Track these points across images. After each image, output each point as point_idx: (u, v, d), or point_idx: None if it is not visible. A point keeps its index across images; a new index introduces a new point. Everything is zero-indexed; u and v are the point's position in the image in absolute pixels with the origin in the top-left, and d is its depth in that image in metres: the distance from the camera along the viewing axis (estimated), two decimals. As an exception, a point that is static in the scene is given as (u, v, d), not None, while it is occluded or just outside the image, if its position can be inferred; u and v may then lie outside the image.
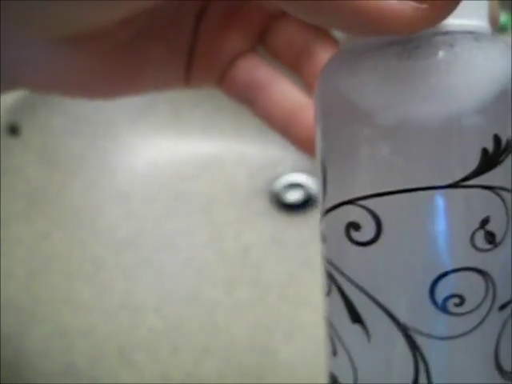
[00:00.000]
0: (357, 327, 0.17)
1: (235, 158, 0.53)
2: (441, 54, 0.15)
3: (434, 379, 0.16)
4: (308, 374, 0.41)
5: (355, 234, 0.16)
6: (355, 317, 0.17)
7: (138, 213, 0.50)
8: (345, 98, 0.16)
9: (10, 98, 0.49)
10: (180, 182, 0.52)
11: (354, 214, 0.16)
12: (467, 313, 0.15)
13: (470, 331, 0.16)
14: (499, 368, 0.16)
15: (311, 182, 0.51)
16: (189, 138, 0.54)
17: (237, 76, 0.21)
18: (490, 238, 0.15)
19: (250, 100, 0.21)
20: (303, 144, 0.20)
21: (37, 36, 0.18)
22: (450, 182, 0.15)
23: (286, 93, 0.20)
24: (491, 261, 0.15)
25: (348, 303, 0.17)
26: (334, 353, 0.18)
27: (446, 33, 0.15)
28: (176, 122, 0.54)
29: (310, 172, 0.51)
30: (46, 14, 0.17)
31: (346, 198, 0.16)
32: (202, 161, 0.53)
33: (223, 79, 0.22)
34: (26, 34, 0.18)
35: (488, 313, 0.16)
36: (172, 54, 0.21)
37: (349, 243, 0.17)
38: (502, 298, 0.16)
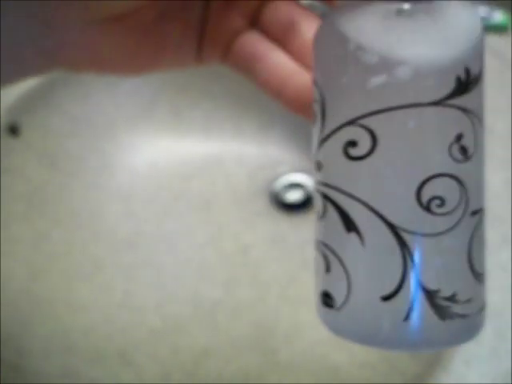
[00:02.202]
0: (352, 236, 0.19)
1: (235, 158, 0.53)
2: (426, 5, 0.19)
3: (420, 275, 0.19)
4: (308, 373, 0.41)
5: (352, 151, 0.19)
6: (350, 226, 0.19)
7: (138, 213, 0.50)
8: (344, 30, 0.19)
9: (10, 98, 0.49)
10: (180, 182, 0.52)
11: (351, 133, 0.19)
12: (446, 213, 0.19)
13: (448, 230, 0.19)
14: (472, 268, 0.19)
15: (311, 182, 0.51)
16: (189, 138, 0.54)
17: (238, 51, 0.24)
18: (463, 151, 0.19)
19: (249, 70, 0.24)
20: (294, 104, 0.23)
21: (77, 17, 0.21)
22: (432, 99, 0.18)
23: (280, 62, 0.23)
24: (464, 171, 0.19)
25: (344, 215, 0.19)
26: (328, 269, 0.20)
27: None
28: (176, 122, 0.54)
29: (310, 172, 0.51)
30: None
31: (344, 121, 0.19)
32: (202, 161, 0.53)
33: (227, 55, 0.24)
34: (67, 16, 0.21)
35: (462, 215, 0.19)
36: (187, 34, 0.23)
37: (346, 160, 0.19)
38: (474, 205, 0.19)
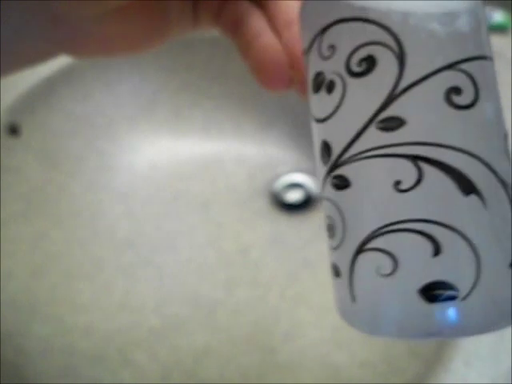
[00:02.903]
0: (472, 199, 0.16)
1: (235, 158, 0.53)
2: None
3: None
4: (308, 373, 0.41)
5: (457, 99, 0.16)
6: (469, 188, 0.16)
7: (137, 213, 0.50)
8: None
9: (10, 97, 0.49)
10: (180, 182, 0.52)
11: (452, 78, 0.17)
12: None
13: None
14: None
15: (311, 182, 0.51)
16: (189, 138, 0.54)
17: (227, 15, 0.25)
18: None
19: (235, 34, 0.25)
20: (262, 67, 0.24)
21: (88, 12, 0.21)
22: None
23: (262, 27, 0.24)
24: None
25: (459, 176, 0.16)
26: (437, 252, 0.16)
27: None
28: (176, 122, 0.54)
29: (310, 172, 0.51)
30: None
31: (442, 64, 0.16)
32: (202, 161, 0.53)
33: (218, 20, 0.26)
34: (78, 10, 0.21)
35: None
36: (185, 3, 0.25)
37: (451, 110, 0.16)
38: None
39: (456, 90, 0.16)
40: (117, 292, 0.46)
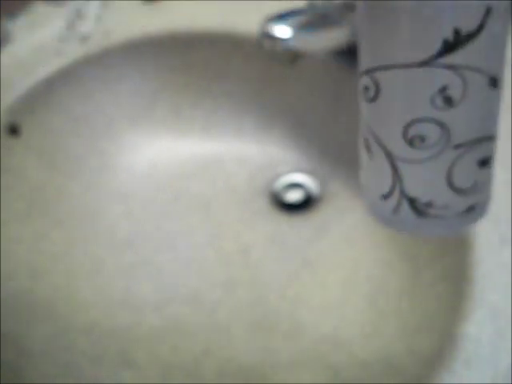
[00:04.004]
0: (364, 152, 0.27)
1: (235, 158, 0.53)
2: None
3: (405, 186, 0.25)
4: (308, 373, 0.41)
5: (367, 94, 0.24)
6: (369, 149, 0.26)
7: (137, 213, 0.50)
8: None
9: (10, 98, 0.49)
10: (180, 181, 0.52)
11: (365, 80, 0.24)
12: (426, 147, 0.24)
13: (426, 159, 0.24)
14: (450, 184, 0.25)
15: (311, 182, 0.51)
16: (189, 138, 0.54)
17: None
18: (447, 100, 0.23)
19: None
20: None
21: None
22: (420, 60, 0.22)
23: None
24: (447, 116, 0.23)
25: (364, 138, 0.26)
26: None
27: None
28: (176, 122, 0.54)
29: (309, 172, 0.51)
30: None
31: (361, 70, 0.24)
32: (202, 161, 0.53)
33: None
34: None
35: (442, 149, 0.24)
36: None
37: (364, 102, 0.25)
38: (457, 140, 0.24)
39: (366, 88, 0.24)
40: (117, 292, 0.46)
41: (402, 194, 0.25)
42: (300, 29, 0.42)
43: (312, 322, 0.43)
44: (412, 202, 0.25)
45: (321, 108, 0.51)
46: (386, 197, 0.26)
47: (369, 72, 0.23)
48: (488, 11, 0.21)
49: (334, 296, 0.44)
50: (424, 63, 0.22)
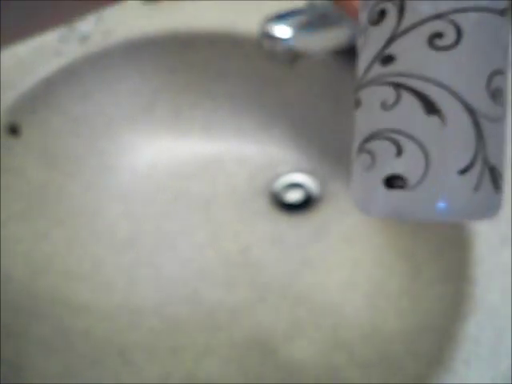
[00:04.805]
0: (434, 118, 0.22)
1: (235, 158, 0.53)
2: None
3: (488, 153, 0.22)
4: (308, 373, 0.41)
5: (439, 42, 0.21)
6: (432, 109, 0.22)
7: (137, 213, 0.50)
8: None
9: (10, 97, 0.49)
10: (180, 181, 0.52)
11: (438, 26, 0.22)
12: (503, 104, 0.22)
13: (503, 118, 0.22)
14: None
15: (311, 182, 0.51)
16: (189, 138, 0.54)
17: None
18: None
19: None
20: None
21: None
22: (500, 8, 0.22)
23: None
24: (506, 69, 0.23)
25: (425, 100, 0.22)
26: (399, 153, 0.22)
27: None
28: (176, 122, 0.54)
29: (309, 172, 0.51)
30: None
31: (432, 13, 0.22)
32: (202, 161, 0.53)
33: None
34: None
35: (506, 106, 0.22)
36: None
37: (431, 51, 0.22)
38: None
39: (439, 35, 0.21)
40: (117, 292, 0.46)
41: (485, 163, 0.22)
42: (300, 29, 0.42)
43: (312, 322, 0.43)
44: (492, 174, 0.22)
45: (321, 108, 0.51)
46: (464, 171, 0.22)
47: (443, 15, 0.21)
48: None
49: (334, 296, 0.44)
50: (501, 12, 0.22)
